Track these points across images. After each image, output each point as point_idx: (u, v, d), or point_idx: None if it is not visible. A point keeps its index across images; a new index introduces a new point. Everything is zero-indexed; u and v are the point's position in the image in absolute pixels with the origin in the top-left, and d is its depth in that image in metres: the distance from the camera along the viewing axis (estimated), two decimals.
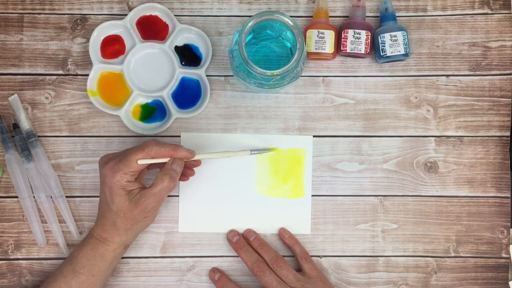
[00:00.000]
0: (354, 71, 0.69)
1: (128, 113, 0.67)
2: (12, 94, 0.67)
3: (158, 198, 0.58)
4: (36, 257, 0.67)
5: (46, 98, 0.68)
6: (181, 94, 0.67)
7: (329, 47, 0.65)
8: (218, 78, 0.68)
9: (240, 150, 0.66)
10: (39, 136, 0.67)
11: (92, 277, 0.60)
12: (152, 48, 0.67)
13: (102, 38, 0.67)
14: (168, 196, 0.67)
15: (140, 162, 0.58)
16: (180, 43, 0.68)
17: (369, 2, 0.69)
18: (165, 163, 0.60)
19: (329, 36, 0.65)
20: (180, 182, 0.67)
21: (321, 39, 0.65)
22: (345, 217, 0.68)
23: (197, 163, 0.64)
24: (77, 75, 0.68)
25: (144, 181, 0.63)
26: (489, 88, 0.69)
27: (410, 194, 0.68)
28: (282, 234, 0.67)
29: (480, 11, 0.69)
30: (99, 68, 0.66)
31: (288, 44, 0.63)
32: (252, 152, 0.66)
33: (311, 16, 0.68)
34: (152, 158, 0.58)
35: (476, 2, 0.69)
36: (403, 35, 0.65)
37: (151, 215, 0.60)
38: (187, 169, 0.64)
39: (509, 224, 0.68)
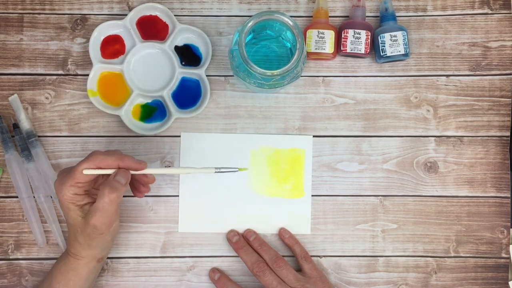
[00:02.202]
0: (354, 71, 0.69)
1: (128, 113, 0.67)
2: (12, 94, 0.67)
3: (104, 212, 0.54)
4: (36, 257, 0.67)
5: (46, 98, 0.68)
6: (181, 94, 0.67)
7: (329, 47, 0.65)
8: (218, 78, 0.68)
9: (203, 167, 0.59)
10: (39, 136, 0.67)
11: None
12: (152, 48, 0.67)
13: (102, 38, 0.67)
14: (168, 196, 0.67)
15: (86, 172, 0.54)
16: (180, 43, 0.68)
17: (369, 2, 0.69)
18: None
19: (329, 36, 0.65)
20: (180, 182, 0.67)
21: (321, 39, 0.65)
22: (345, 217, 0.68)
23: (150, 179, 0.59)
24: (77, 75, 0.68)
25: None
26: (489, 88, 0.69)
27: (410, 194, 0.68)
28: (282, 234, 0.67)
29: (480, 11, 0.69)
30: (99, 68, 0.66)
31: (288, 44, 0.63)
32: (218, 170, 0.58)
33: (311, 16, 0.68)
34: (98, 168, 0.55)
35: (476, 2, 0.69)
36: (403, 35, 0.65)
37: (105, 231, 0.56)
38: (140, 185, 0.60)
39: (509, 224, 0.68)
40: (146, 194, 0.61)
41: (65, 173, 0.56)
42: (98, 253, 0.59)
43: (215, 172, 0.58)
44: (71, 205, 0.56)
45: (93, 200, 0.56)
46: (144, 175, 0.59)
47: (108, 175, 0.56)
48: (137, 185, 0.60)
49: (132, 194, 0.61)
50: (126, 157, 0.56)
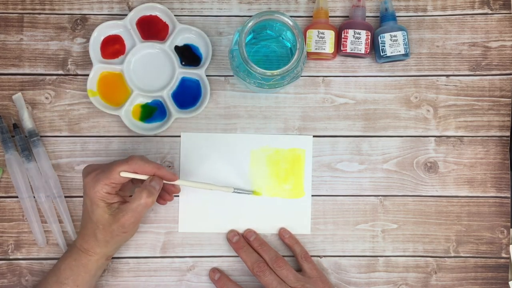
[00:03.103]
0: (354, 71, 0.69)
1: (128, 113, 0.67)
2: (13, 94, 0.67)
3: (136, 213, 0.58)
4: (36, 257, 0.67)
5: (46, 98, 0.68)
6: (181, 94, 0.67)
7: (329, 47, 0.65)
8: (218, 78, 0.68)
9: (223, 186, 0.65)
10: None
11: (76, 287, 0.60)
12: (152, 48, 0.67)
13: (102, 38, 0.67)
14: None
15: (123, 174, 0.58)
16: (180, 43, 0.68)
17: (369, 2, 0.69)
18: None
19: (329, 36, 0.65)
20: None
21: (321, 39, 0.65)
22: (345, 217, 0.68)
23: (176, 189, 0.64)
24: (77, 75, 0.68)
25: (128, 198, 0.62)
26: (489, 88, 0.69)
27: (410, 194, 0.68)
28: (282, 234, 0.67)
29: (480, 11, 0.69)
30: (99, 68, 0.66)
31: (288, 44, 0.63)
32: (235, 190, 0.65)
33: (311, 16, 0.68)
34: (135, 172, 0.59)
35: (476, 2, 0.69)
36: (403, 35, 0.65)
37: (130, 230, 0.59)
38: (166, 194, 0.64)
39: (509, 224, 0.68)
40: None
41: (98, 171, 0.59)
42: (111, 251, 0.61)
43: (233, 192, 0.65)
44: (101, 202, 0.58)
45: (121, 200, 0.60)
46: (173, 185, 0.63)
47: (139, 180, 0.60)
48: (163, 194, 0.64)
49: None
50: (162, 167, 0.60)
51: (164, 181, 0.61)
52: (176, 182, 0.61)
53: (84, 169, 0.60)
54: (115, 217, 0.58)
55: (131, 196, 0.61)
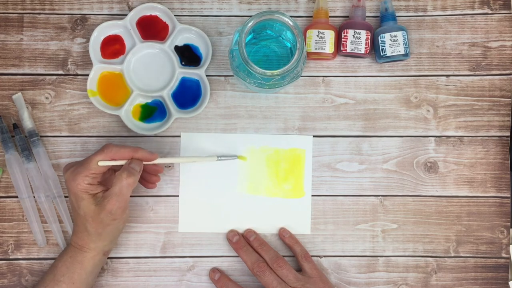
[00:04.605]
0: (354, 71, 0.69)
1: (128, 113, 0.67)
2: (13, 94, 0.67)
3: (120, 196, 0.57)
4: (36, 257, 0.67)
5: (46, 98, 0.68)
6: (181, 94, 0.67)
7: (329, 47, 0.65)
8: (218, 78, 0.68)
9: (207, 156, 0.65)
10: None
11: (72, 284, 0.60)
12: (152, 48, 0.67)
13: (102, 38, 0.67)
14: (168, 196, 0.67)
15: (101, 163, 0.58)
16: (180, 43, 0.68)
17: (369, 2, 0.69)
18: None
19: (329, 36, 0.65)
20: (180, 182, 0.67)
21: (321, 39, 0.65)
22: (345, 217, 0.68)
23: (159, 169, 0.64)
24: (77, 75, 0.68)
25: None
26: (489, 88, 0.69)
27: (410, 194, 0.68)
28: (282, 234, 0.67)
29: (480, 11, 0.69)
30: (99, 68, 0.66)
31: (288, 44, 0.63)
32: (219, 158, 0.65)
33: (311, 16, 0.68)
34: (112, 159, 0.58)
35: (476, 2, 0.69)
36: (403, 35, 0.65)
37: (119, 216, 0.58)
38: (151, 175, 0.63)
39: (509, 224, 0.68)
40: (153, 189, 0.65)
41: (77, 165, 0.59)
42: (106, 245, 0.61)
43: (217, 160, 0.65)
44: (84, 195, 0.58)
45: (105, 188, 0.60)
46: (155, 165, 0.62)
47: (120, 167, 0.60)
48: (148, 177, 0.63)
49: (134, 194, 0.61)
50: (139, 149, 0.59)
51: (145, 162, 0.60)
52: (156, 161, 0.61)
53: (64, 168, 0.60)
54: (101, 206, 0.58)
55: None
